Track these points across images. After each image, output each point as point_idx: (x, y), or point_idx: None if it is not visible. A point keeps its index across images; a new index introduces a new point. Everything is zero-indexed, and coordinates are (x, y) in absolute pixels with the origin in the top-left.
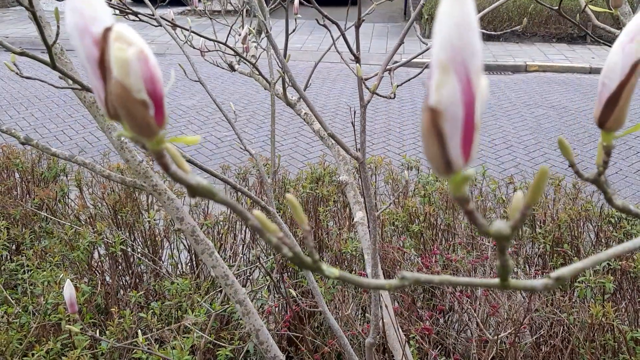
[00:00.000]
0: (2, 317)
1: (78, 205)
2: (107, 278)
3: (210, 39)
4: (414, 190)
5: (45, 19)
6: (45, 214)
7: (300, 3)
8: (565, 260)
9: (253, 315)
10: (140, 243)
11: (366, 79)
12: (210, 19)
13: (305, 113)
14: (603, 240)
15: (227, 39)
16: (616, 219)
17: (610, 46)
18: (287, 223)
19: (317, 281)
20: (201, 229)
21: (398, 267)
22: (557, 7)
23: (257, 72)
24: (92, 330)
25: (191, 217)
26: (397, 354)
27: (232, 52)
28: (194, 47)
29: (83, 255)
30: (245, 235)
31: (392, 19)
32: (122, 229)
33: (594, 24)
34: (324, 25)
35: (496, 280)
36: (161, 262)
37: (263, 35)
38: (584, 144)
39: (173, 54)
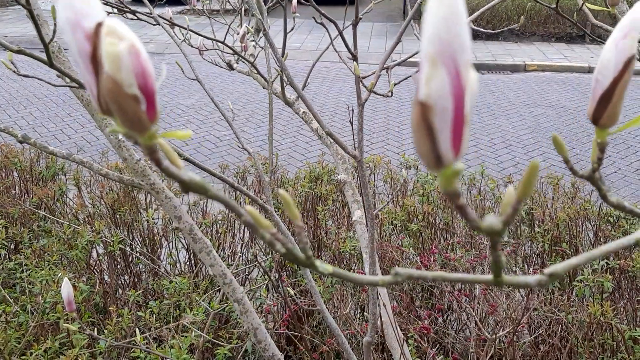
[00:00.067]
0: (1, 316)
1: (76, 204)
2: (106, 277)
3: (208, 38)
4: (413, 190)
5: (43, 17)
6: (43, 213)
7: (299, 2)
8: (564, 260)
9: (251, 314)
10: (138, 242)
11: (364, 78)
12: (209, 17)
13: (303, 112)
14: (602, 240)
15: (225, 38)
16: (615, 218)
17: None
18: (286, 222)
19: (315, 280)
20: (200, 228)
21: (397, 266)
22: (554, 6)
23: (256, 71)
24: (90, 329)
25: (189, 216)
26: (396, 353)
27: (231, 51)
28: (192, 46)
29: (81, 254)
30: (244, 235)
31: (391, 18)
32: (121, 228)
33: (592, 22)
34: (321, 24)
35: (489, 276)
36: (160, 261)
37: (262, 34)
38: (583, 143)
39: (172, 53)
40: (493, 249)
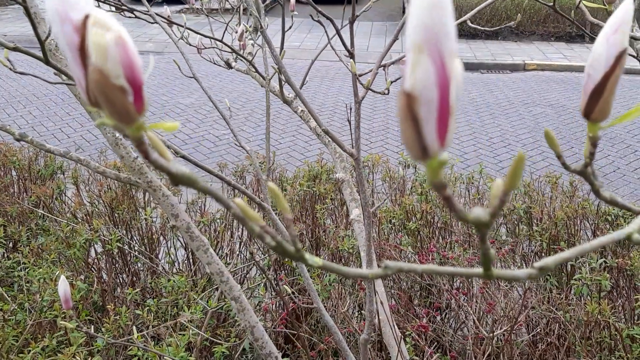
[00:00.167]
0: None
1: (75, 203)
2: (104, 275)
3: (206, 36)
4: (411, 188)
5: (40, 15)
6: (42, 212)
7: (298, 1)
8: None
9: (248, 312)
10: (137, 240)
11: (361, 75)
12: (208, 16)
13: (302, 110)
14: None
15: (223, 36)
16: (613, 216)
17: None
18: (284, 221)
19: (313, 279)
20: (198, 226)
21: None
22: (551, 4)
23: (254, 69)
24: (88, 327)
25: (188, 214)
26: (393, 351)
27: (229, 50)
28: (190, 45)
29: (80, 252)
30: (242, 233)
31: (390, 17)
32: (119, 226)
33: (590, 20)
34: (319, 22)
35: (479, 270)
36: (158, 260)
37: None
38: (582, 142)
39: (172, 52)
40: (482, 242)
